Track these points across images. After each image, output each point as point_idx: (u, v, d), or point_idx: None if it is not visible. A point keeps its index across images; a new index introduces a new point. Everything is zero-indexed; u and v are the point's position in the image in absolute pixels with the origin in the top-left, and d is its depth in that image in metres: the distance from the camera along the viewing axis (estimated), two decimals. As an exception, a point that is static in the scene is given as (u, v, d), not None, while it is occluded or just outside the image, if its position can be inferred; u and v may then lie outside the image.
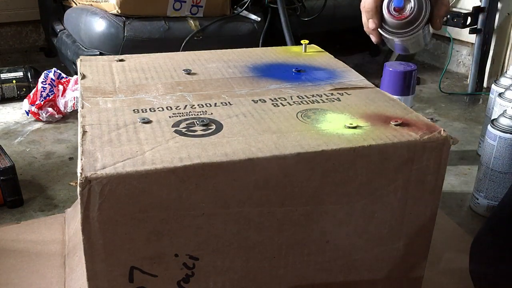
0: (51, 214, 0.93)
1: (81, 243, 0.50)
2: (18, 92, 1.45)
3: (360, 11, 0.67)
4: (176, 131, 0.56)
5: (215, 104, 0.63)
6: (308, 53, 0.85)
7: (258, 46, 1.48)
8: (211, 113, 0.61)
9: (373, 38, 0.66)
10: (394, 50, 0.71)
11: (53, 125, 1.31)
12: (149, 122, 0.58)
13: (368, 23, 0.64)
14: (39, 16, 1.90)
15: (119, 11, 1.37)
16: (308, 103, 0.64)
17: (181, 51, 1.36)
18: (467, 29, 1.56)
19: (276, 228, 0.55)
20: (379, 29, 0.64)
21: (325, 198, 0.56)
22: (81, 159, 0.49)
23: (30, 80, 1.45)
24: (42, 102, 1.31)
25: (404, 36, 0.63)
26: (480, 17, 1.55)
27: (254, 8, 1.54)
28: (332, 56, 0.84)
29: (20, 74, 1.45)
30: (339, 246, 0.59)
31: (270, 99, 0.65)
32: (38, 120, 1.33)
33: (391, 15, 0.62)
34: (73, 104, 1.33)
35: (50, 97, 1.32)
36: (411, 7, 0.60)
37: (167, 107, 0.62)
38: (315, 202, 0.55)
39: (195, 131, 0.56)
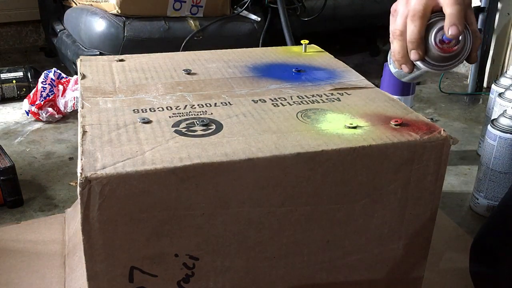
0: (51, 214, 0.93)
1: (81, 243, 0.50)
2: (18, 92, 1.45)
3: (382, 29, 0.63)
4: (176, 131, 0.56)
5: (215, 104, 0.63)
6: (308, 53, 0.85)
7: (258, 46, 1.48)
8: (211, 113, 0.61)
9: (405, 69, 0.60)
10: (398, 77, 0.67)
11: (53, 125, 1.31)
12: (149, 122, 0.58)
13: (410, 54, 0.59)
14: (39, 16, 1.90)
15: (119, 11, 1.37)
16: (308, 103, 0.64)
17: (181, 51, 1.36)
18: (467, 29, 1.56)
19: (276, 228, 0.55)
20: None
21: (325, 198, 0.56)
22: (81, 159, 0.49)
23: (30, 80, 1.45)
24: (42, 102, 1.31)
25: (443, 68, 0.59)
26: (480, 17, 1.55)
27: (254, 8, 1.54)
28: (332, 56, 0.84)
29: (20, 74, 1.45)
30: (339, 246, 0.59)
31: (270, 99, 0.65)
32: (38, 120, 1.33)
33: (438, 48, 0.58)
34: (73, 104, 1.33)
35: (50, 97, 1.32)
36: (460, 41, 0.57)
37: (167, 107, 0.62)
38: (315, 202, 0.55)
39: (195, 131, 0.56)
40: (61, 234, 0.84)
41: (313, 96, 0.67)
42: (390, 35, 0.61)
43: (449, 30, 0.56)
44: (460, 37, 0.57)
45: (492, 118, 0.98)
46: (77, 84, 1.24)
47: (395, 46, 0.61)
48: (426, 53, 0.59)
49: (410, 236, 0.61)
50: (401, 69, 0.62)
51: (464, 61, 0.60)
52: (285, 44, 1.49)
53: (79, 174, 0.47)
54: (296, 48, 0.88)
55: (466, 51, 0.59)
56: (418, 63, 0.60)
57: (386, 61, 0.70)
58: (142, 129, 0.56)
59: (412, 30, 0.58)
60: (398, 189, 0.58)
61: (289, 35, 1.49)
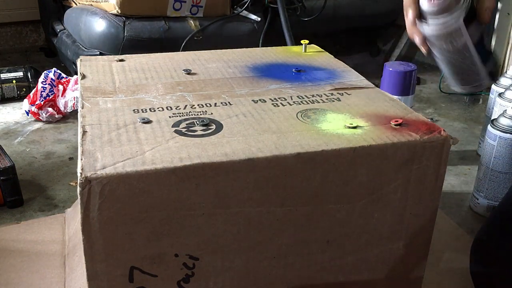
0: (51, 214, 0.93)
1: (81, 243, 0.50)
2: (18, 92, 1.45)
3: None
4: (176, 131, 0.56)
5: (215, 104, 0.63)
6: (308, 53, 0.85)
7: (258, 46, 1.48)
8: (211, 113, 0.61)
9: (422, 49, 0.64)
10: (445, 72, 0.67)
11: (53, 125, 1.31)
12: (149, 122, 0.58)
13: (407, 16, 0.62)
14: (39, 16, 1.90)
15: (119, 11, 1.36)
16: (308, 103, 0.64)
17: (181, 51, 1.36)
18: (467, 29, 1.56)
19: (276, 228, 0.55)
20: (419, 26, 0.61)
21: (325, 198, 0.56)
22: (81, 159, 0.49)
23: (30, 80, 1.45)
24: (42, 102, 1.31)
25: (441, 23, 0.60)
26: (480, 17, 1.54)
27: (254, 8, 1.54)
28: (332, 56, 0.84)
29: (20, 74, 1.45)
30: (339, 246, 0.59)
31: (270, 99, 0.65)
32: (38, 120, 1.33)
33: (427, 1, 0.59)
34: (73, 104, 1.33)
35: (50, 97, 1.32)
36: None
37: (167, 107, 0.62)
38: (315, 202, 0.55)
39: (195, 131, 0.56)
40: (61, 234, 0.84)
41: (313, 96, 0.67)
42: None
43: None
44: None
45: (492, 118, 0.98)
46: (77, 84, 1.24)
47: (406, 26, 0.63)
48: (424, 15, 0.61)
49: (410, 236, 0.61)
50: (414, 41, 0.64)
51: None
52: (285, 44, 1.49)
53: (79, 174, 0.47)
54: (296, 48, 0.88)
55: (460, 2, 0.59)
56: (423, 26, 0.61)
57: (386, 61, 0.70)
58: (142, 129, 0.56)
59: None
60: (398, 189, 0.58)
61: (289, 35, 1.49)
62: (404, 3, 0.62)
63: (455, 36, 0.60)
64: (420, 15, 0.61)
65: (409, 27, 0.63)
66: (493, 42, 1.61)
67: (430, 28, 0.61)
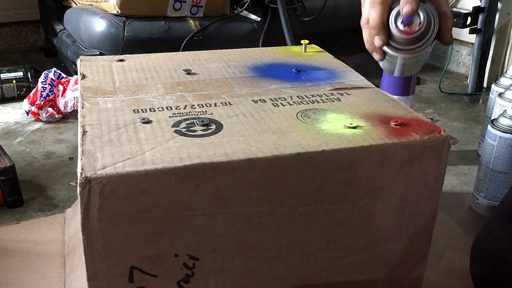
0: (51, 214, 0.93)
1: (81, 243, 0.50)
2: (18, 92, 1.45)
3: (358, 16, 0.63)
4: (176, 131, 0.56)
5: (215, 104, 0.63)
6: (308, 53, 0.85)
7: (258, 46, 1.48)
8: (211, 113, 0.61)
9: (376, 56, 0.61)
10: (389, 73, 0.66)
11: (53, 125, 1.31)
12: (149, 122, 0.58)
13: (374, 40, 0.59)
14: (39, 16, 1.90)
15: (119, 11, 1.37)
16: (308, 103, 0.64)
17: (181, 51, 1.36)
18: (467, 29, 1.56)
19: (276, 228, 0.55)
20: (384, 47, 0.59)
21: (325, 198, 0.56)
22: (81, 159, 0.49)
23: (30, 80, 1.45)
24: (42, 102, 1.31)
25: (412, 52, 0.59)
26: (480, 17, 1.55)
27: (254, 8, 1.54)
28: (332, 56, 0.84)
29: (20, 74, 1.45)
30: (339, 246, 0.59)
31: (270, 99, 0.65)
32: (38, 120, 1.33)
33: (399, 31, 0.58)
34: (73, 104, 1.33)
35: (50, 97, 1.32)
36: (421, 21, 0.57)
37: (167, 107, 0.62)
38: (315, 202, 0.55)
39: (195, 131, 0.56)
40: (61, 234, 0.84)
41: (313, 96, 0.67)
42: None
43: (404, 9, 0.56)
44: (421, 17, 0.57)
45: (492, 118, 0.98)
46: (77, 84, 1.24)
47: (363, 34, 0.61)
48: (391, 38, 0.59)
49: (410, 236, 0.61)
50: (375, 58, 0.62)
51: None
52: (285, 44, 1.49)
53: (79, 174, 0.47)
54: (296, 48, 0.88)
55: (432, 32, 0.58)
56: (386, 49, 0.60)
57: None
58: (142, 129, 0.56)
59: (373, 16, 0.58)
60: (398, 189, 0.58)
61: (289, 35, 1.49)
62: (367, 27, 0.59)
63: (423, 55, 0.61)
64: (388, 39, 0.60)
65: (371, 48, 0.61)
66: (493, 42, 1.61)
67: (401, 55, 0.60)
